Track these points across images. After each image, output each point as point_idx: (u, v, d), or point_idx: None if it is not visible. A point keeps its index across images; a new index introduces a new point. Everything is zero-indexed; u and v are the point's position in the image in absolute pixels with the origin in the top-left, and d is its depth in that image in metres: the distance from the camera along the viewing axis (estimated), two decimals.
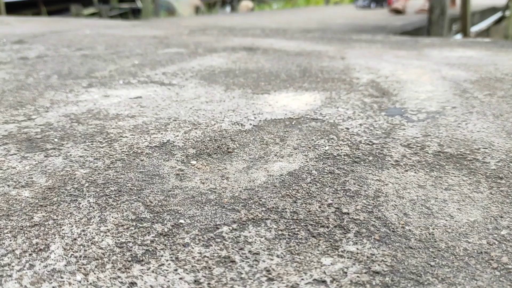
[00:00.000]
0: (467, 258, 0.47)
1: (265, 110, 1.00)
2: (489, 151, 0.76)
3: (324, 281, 0.44)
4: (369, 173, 0.68)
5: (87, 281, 0.44)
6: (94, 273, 0.45)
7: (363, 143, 0.80)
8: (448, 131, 0.87)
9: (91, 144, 0.80)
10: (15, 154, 0.76)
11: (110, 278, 0.45)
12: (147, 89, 1.18)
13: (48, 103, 1.05)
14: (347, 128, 0.86)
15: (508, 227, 0.53)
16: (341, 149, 0.77)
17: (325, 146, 0.78)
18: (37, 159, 0.74)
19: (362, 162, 0.72)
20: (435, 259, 0.47)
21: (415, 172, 0.69)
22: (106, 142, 0.81)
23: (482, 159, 0.73)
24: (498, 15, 6.17)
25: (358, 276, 0.44)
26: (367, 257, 0.48)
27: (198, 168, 0.72)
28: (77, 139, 0.82)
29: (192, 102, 1.06)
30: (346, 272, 0.45)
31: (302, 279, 0.44)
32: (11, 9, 6.37)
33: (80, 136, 0.83)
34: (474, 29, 5.14)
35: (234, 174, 0.69)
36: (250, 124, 0.90)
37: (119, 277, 0.45)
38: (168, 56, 1.69)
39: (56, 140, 0.82)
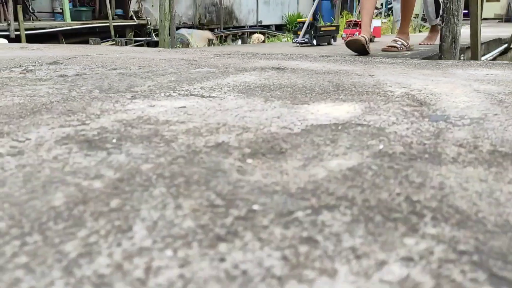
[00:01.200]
0: None
1: (308, 117, 1.02)
2: None
3: (412, 259, 0.45)
4: (429, 168, 0.69)
5: (177, 257, 0.46)
6: (182, 250, 0.47)
7: (415, 143, 0.81)
8: (496, 133, 0.88)
9: (149, 144, 0.83)
10: (78, 152, 0.79)
11: (199, 254, 0.46)
12: (189, 101, 1.22)
13: (98, 111, 1.09)
14: (395, 132, 0.88)
15: None
16: (395, 148, 0.78)
17: (378, 146, 0.79)
18: (100, 156, 0.76)
19: (418, 159, 0.73)
20: None
21: (474, 168, 0.69)
22: (163, 142, 0.83)
23: None
24: (503, 46, 6.21)
25: (445, 255, 0.45)
26: (450, 238, 0.48)
27: (255, 166, 0.73)
28: (134, 140, 0.85)
29: (236, 111, 1.09)
30: (432, 251, 0.46)
31: (389, 257, 0.45)
32: (31, 41, 6.63)
33: (136, 138, 0.86)
34: (482, 59, 5.13)
35: (292, 170, 0.70)
36: (298, 128, 0.93)
37: (207, 253, 0.46)
38: (201, 74, 1.74)
39: (114, 140, 0.85)
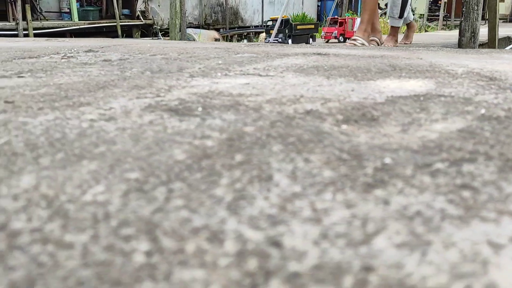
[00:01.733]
0: None
1: (383, 90, 1.01)
2: None
3: None
4: None
5: (337, 200, 0.44)
6: (339, 195, 0.45)
7: (510, 111, 0.80)
8: None
9: (237, 111, 0.81)
10: (170, 117, 0.78)
11: (359, 198, 0.44)
12: (250, 79, 1.21)
13: (165, 87, 1.08)
14: (485, 101, 0.86)
15: None
16: (498, 113, 0.76)
17: (479, 111, 0.78)
18: (196, 121, 0.75)
19: None
20: None
21: None
22: (251, 110, 0.82)
23: None
24: None
25: None
26: None
27: (354, 130, 0.72)
28: (220, 108, 0.84)
29: (304, 86, 1.07)
30: None
31: None
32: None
33: (221, 107, 0.85)
34: None
35: (394, 134, 0.69)
36: (380, 98, 0.91)
37: (366, 198, 0.45)
38: (245, 58, 1.73)
39: (200, 109, 0.84)
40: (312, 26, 4.40)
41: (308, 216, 0.41)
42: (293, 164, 0.53)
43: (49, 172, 0.53)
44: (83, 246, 0.37)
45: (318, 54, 1.92)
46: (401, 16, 3.82)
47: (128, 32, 10.33)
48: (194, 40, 10.18)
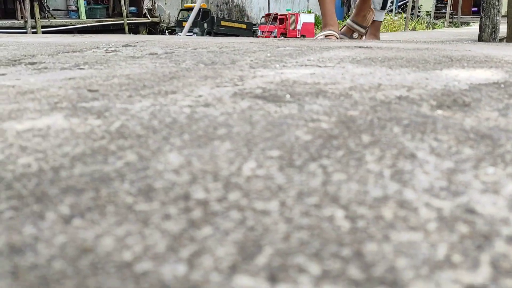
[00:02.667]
0: None
1: (458, 78, 1.02)
2: None
3: None
4: None
5: (497, 173, 0.45)
6: (497, 169, 0.46)
7: None
8: None
9: (328, 98, 0.82)
10: (266, 104, 0.79)
11: None
12: (311, 69, 1.22)
13: (235, 77, 1.09)
14: None
15: None
16: None
17: None
18: (294, 107, 0.76)
19: None
20: None
21: None
22: (342, 96, 0.83)
23: None
24: None
25: None
26: None
27: (452, 116, 0.73)
28: (308, 95, 0.85)
29: (372, 75, 1.08)
30: None
31: None
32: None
33: (307, 94, 0.86)
34: None
35: (496, 118, 0.70)
36: (463, 85, 0.92)
37: None
38: (291, 51, 1.74)
39: (288, 96, 0.85)
40: (244, 27, 3.76)
41: (482, 188, 0.42)
42: (427, 143, 0.54)
43: (190, 150, 0.54)
44: (279, 213, 0.38)
45: (360, 47, 1.93)
46: (383, 7, 3.35)
47: (135, 30, 10.37)
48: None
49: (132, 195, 0.42)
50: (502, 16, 4.70)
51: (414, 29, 10.99)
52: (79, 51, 1.90)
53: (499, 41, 4.57)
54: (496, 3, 4.26)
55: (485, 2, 4.13)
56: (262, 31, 4.00)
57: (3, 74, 1.24)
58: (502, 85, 0.91)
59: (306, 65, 1.29)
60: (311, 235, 0.34)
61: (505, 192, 0.41)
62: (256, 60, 1.47)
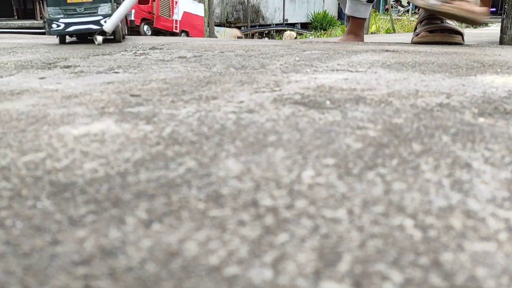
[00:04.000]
0: None
1: (494, 85, 1.02)
2: None
3: None
4: None
5: None
6: None
7: None
8: None
9: (368, 105, 0.84)
10: (308, 110, 0.80)
11: None
12: (343, 75, 1.23)
13: (270, 82, 1.11)
14: None
15: None
16: None
17: None
18: (337, 114, 0.77)
19: None
20: None
21: None
22: (382, 103, 0.84)
23: None
24: None
25: None
26: None
27: (495, 124, 0.73)
28: (348, 102, 0.86)
29: (407, 81, 1.09)
30: None
31: None
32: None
33: (347, 100, 0.87)
34: None
35: None
36: (502, 92, 0.92)
37: None
38: (318, 55, 1.76)
39: (328, 102, 0.86)
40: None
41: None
42: (479, 153, 0.55)
43: (246, 157, 0.56)
44: (349, 221, 0.40)
45: (387, 50, 1.93)
46: (370, 0, 2.58)
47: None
48: (217, 38, 10.28)
49: (203, 201, 0.44)
50: None
51: None
52: (108, 54, 1.95)
53: None
54: None
55: (506, 4, 4.07)
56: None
57: (43, 78, 1.28)
58: None
59: (337, 70, 1.30)
60: (385, 243, 0.35)
61: None
62: (285, 64, 1.48)
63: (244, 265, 0.33)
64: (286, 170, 0.52)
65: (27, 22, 8.27)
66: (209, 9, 6.10)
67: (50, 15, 2.14)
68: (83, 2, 2.19)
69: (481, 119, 0.76)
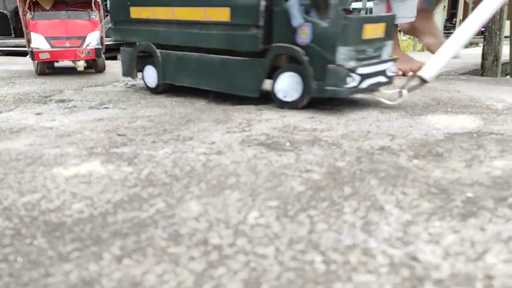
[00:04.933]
0: None
1: (437, 126, 1.15)
2: None
3: None
4: None
5: (443, 226, 0.58)
6: (443, 222, 0.59)
7: None
8: None
9: (321, 147, 0.96)
10: (269, 152, 0.92)
11: (459, 225, 0.58)
12: (308, 113, 1.36)
13: (243, 120, 1.23)
14: None
15: None
16: None
17: None
18: (292, 156, 0.90)
19: None
20: None
21: None
22: (333, 145, 0.97)
23: None
24: None
25: None
26: None
27: (425, 165, 0.86)
28: (305, 143, 0.99)
29: (361, 121, 1.22)
30: None
31: None
32: None
33: (305, 142, 1.00)
34: None
35: (461, 169, 0.83)
36: (439, 135, 1.05)
37: (465, 225, 0.58)
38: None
39: (288, 144, 0.99)
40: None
41: (427, 239, 0.54)
42: (394, 197, 0.67)
43: (206, 200, 0.68)
44: (274, 257, 0.51)
45: None
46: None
47: None
48: None
49: (165, 239, 0.55)
50: (505, 37, 4.79)
51: (422, 50, 11.11)
52: (101, 85, 2.07)
53: (502, 65, 4.69)
54: (498, 32, 4.40)
55: (486, 31, 4.27)
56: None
57: (39, 114, 1.40)
58: (475, 135, 1.04)
59: (304, 108, 1.44)
60: (296, 275, 0.47)
61: (444, 242, 0.53)
62: (260, 100, 1.61)
63: None
64: (237, 211, 0.63)
65: (24, 40, 8.38)
66: None
67: (341, 61, 1.33)
68: (375, 39, 1.46)
69: (415, 161, 0.89)
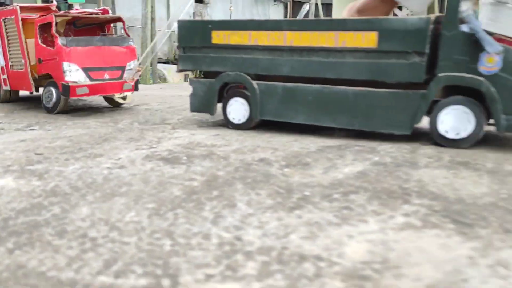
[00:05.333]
0: (485, 206, 0.82)
1: (316, 140, 1.36)
2: None
3: (408, 215, 0.77)
4: (410, 170, 1.03)
5: (274, 216, 0.76)
6: (274, 213, 0.77)
7: (399, 156, 1.16)
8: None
9: (211, 161, 1.13)
10: (165, 165, 1.08)
11: (289, 216, 0.77)
12: (217, 131, 1.53)
13: (154, 138, 1.38)
14: (384, 149, 1.23)
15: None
16: (386, 160, 1.12)
17: (374, 158, 1.14)
18: (183, 168, 1.06)
19: (402, 165, 1.08)
20: (466, 208, 0.81)
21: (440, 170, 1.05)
22: (222, 158, 1.14)
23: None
24: None
25: (427, 213, 0.78)
26: (428, 205, 0.82)
27: (292, 172, 1.05)
28: (199, 158, 1.15)
29: (255, 137, 1.41)
30: (419, 211, 0.79)
31: (392, 216, 0.77)
32: None
33: (200, 156, 1.17)
34: None
35: (317, 175, 1.03)
36: (313, 148, 1.26)
37: (290, 214, 0.77)
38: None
39: (185, 158, 1.15)
40: None
41: (256, 225, 0.72)
42: (249, 197, 0.85)
43: (96, 205, 0.82)
44: (135, 243, 0.67)
45: None
46: None
47: None
48: (163, 75, 10.47)
49: (52, 235, 0.69)
50: None
51: None
52: (33, 108, 2.15)
53: None
54: None
55: None
56: None
57: None
58: (343, 147, 1.27)
59: (218, 126, 1.62)
60: (147, 255, 0.63)
61: (267, 227, 0.72)
62: (182, 119, 1.78)
63: (60, 270, 0.59)
64: (118, 213, 0.79)
65: None
66: (152, 53, 6.26)
67: None
68: None
69: (286, 170, 1.09)
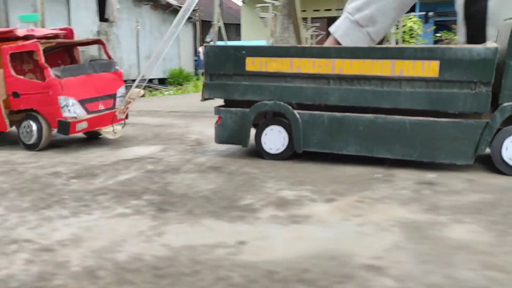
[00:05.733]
0: (196, 198, 1.13)
1: (122, 154, 1.61)
2: None
3: (129, 207, 1.05)
4: (174, 175, 1.32)
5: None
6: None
7: (174, 164, 1.46)
8: None
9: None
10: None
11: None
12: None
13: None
14: (163, 158, 1.52)
15: None
16: (158, 168, 1.41)
17: (149, 167, 1.42)
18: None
19: (169, 171, 1.37)
20: (180, 200, 1.11)
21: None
22: (13, 171, 1.33)
23: None
24: None
25: (144, 205, 1.06)
26: (151, 200, 1.10)
27: (74, 182, 1.28)
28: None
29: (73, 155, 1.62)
30: (140, 204, 1.07)
31: (115, 209, 1.04)
32: None
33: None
34: None
35: (98, 183, 1.27)
36: (109, 161, 1.50)
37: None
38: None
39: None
40: None
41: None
42: (11, 202, 1.07)
43: None
44: None
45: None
46: None
47: None
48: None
49: None
50: None
51: None
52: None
53: None
54: None
55: None
56: None
57: None
58: (137, 159, 1.54)
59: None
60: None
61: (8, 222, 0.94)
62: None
63: None
64: None
65: None
66: None
67: None
68: None
69: (73, 180, 1.32)
